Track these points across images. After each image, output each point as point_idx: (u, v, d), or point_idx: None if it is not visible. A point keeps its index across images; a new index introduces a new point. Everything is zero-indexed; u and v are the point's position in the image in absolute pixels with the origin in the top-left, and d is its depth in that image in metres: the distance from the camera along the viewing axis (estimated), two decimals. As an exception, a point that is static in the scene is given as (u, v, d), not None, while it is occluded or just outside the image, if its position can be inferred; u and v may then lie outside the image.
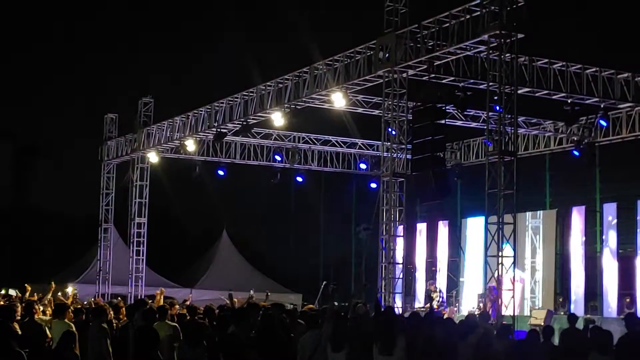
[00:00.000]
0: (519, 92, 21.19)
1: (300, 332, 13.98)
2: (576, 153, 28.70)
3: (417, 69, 22.84)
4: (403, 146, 23.24)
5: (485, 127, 21.96)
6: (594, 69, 24.24)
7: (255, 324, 13.96)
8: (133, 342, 13.64)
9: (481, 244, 31.31)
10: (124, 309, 17.36)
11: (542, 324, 23.67)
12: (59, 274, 37.16)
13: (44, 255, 46.55)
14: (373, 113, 27.03)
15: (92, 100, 51.25)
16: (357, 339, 12.97)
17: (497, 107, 20.42)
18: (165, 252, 42.63)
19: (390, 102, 23.20)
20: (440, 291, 29.41)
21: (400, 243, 23.43)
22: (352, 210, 41.37)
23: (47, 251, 47.22)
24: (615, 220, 28.36)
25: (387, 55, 22.88)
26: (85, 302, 23.92)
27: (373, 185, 33.23)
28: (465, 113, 27.33)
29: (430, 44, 21.98)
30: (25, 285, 23.56)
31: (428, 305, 27.41)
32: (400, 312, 22.48)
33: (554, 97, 24.62)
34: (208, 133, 30.69)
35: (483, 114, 25.64)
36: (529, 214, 30.59)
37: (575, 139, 28.72)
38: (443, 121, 22.43)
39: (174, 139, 32.10)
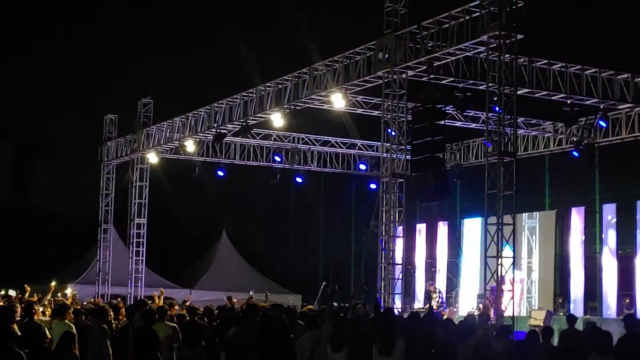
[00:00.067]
0: (519, 92, 21.22)
1: (300, 332, 13.99)
2: (576, 154, 28.70)
3: (417, 70, 22.85)
4: (402, 147, 23.23)
5: (485, 127, 21.97)
6: (593, 70, 24.24)
7: (255, 325, 13.96)
8: (133, 342, 13.66)
9: (478, 244, 31.61)
10: (123, 309, 17.36)
11: (542, 324, 23.68)
12: (58, 274, 37.17)
13: (44, 256, 46.57)
14: (372, 114, 27.04)
15: (92, 101, 51.33)
16: (356, 340, 12.99)
17: (497, 108, 20.42)
18: (165, 252, 42.65)
19: (389, 103, 23.20)
20: (439, 292, 29.43)
21: (399, 244, 23.44)
22: (352, 211, 41.35)
23: (47, 251, 47.24)
24: (614, 221, 28.36)
25: (386, 56, 22.89)
26: (84, 303, 23.95)
27: (372, 186, 33.20)
28: (465, 114, 27.34)
29: (429, 44, 21.98)
30: (25, 285, 23.55)
31: (427, 305, 27.41)
32: (400, 312, 22.48)
33: (553, 97, 24.62)
34: (208, 134, 30.69)
35: (482, 114, 25.64)
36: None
37: (575, 139, 28.72)
38: (442, 122, 22.42)
39: (173, 139, 32.09)
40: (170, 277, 38.56)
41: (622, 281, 27.81)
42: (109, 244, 36.36)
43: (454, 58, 22.35)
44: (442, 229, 34.53)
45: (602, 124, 26.87)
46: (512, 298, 20.37)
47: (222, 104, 29.40)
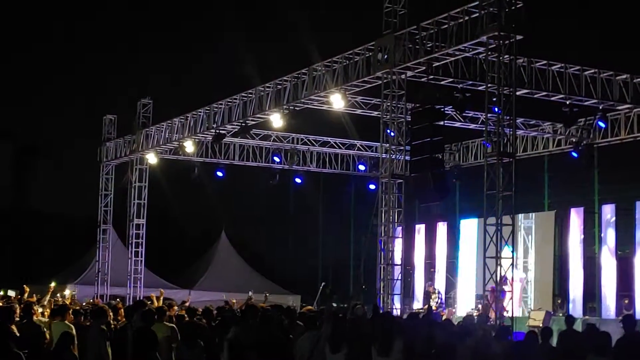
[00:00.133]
0: (518, 93, 21.23)
1: (299, 333, 13.99)
2: (575, 154, 28.70)
3: (416, 71, 22.84)
4: (402, 147, 23.22)
5: (484, 128, 21.97)
6: (592, 71, 24.24)
7: (254, 326, 13.97)
8: (132, 343, 13.66)
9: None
10: (122, 310, 17.37)
11: (541, 325, 23.68)
12: (58, 274, 37.15)
13: (44, 256, 46.60)
14: (372, 114, 27.03)
15: (92, 101, 51.37)
16: (355, 340, 12.98)
17: (496, 109, 20.42)
18: (164, 253, 42.65)
19: (389, 104, 23.20)
20: (438, 292, 29.44)
21: (398, 244, 23.43)
22: (351, 212, 41.36)
23: (47, 251, 47.26)
24: (613, 222, 28.37)
25: (385, 56, 22.89)
26: (83, 304, 23.95)
27: (372, 186, 33.18)
28: (464, 114, 27.32)
29: (429, 45, 21.98)
30: (24, 286, 23.56)
31: (426, 306, 27.42)
32: (399, 313, 22.49)
33: (552, 98, 24.62)
34: (207, 134, 30.69)
35: (482, 115, 25.63)
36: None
37: (574, 140, 28.73)
38: (442, 122, 22.43)
39: (172, 140, 32.09)
40: (170, 277, 38.54)
41: (621, 282, 27.81)
42: (108, 244, 36.33)
43: (453, 59, 22.35)
44: (441, 229, 34.54)
45: (601, 124, 26.89)
46: (512, 298, 20.39)
47: (221, 104, 29.40)
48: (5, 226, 50.76)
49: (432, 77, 22.64)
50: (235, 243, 42.14)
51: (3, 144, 54.13)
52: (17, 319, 15.10)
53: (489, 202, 20.15)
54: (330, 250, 42.63)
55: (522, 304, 30.07)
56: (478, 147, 32.47)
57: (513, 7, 20.01)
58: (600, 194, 30.83)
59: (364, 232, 27.27)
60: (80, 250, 40.44)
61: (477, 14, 20.52)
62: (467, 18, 20.85)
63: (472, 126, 28.72)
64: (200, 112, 30.46)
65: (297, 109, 26.87)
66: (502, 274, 19.93)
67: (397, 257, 23.31)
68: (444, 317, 23.83)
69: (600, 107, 25.55)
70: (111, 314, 16.64)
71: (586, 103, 24.97)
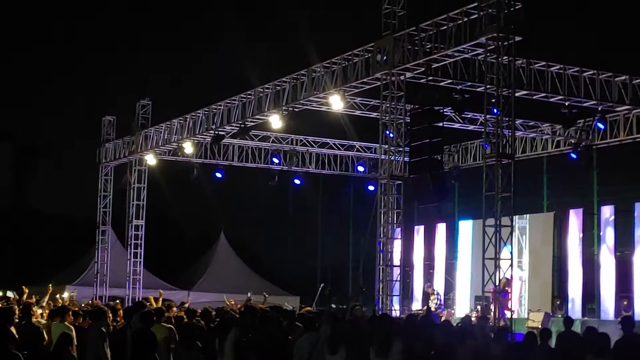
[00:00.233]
0: (517, 94, 21.23)
1: (298, 334, 13.99)
2: (574, 156, 28.70)
3: (415, 72, 22.85)
4: (401, 149, 23.23)
5: (483, 129, 21.96)
6: (591, 72, 24.25)
7: (253, 327, 13.98)
8: (131, 344, 13.66)
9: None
10: (121, 311, 17.36)
11: (540, 326, 23.68)
12: (57, 275, 37.13)
13: (44, 256, 46.59)
14: (371, 115, 27.04)
15: (92, 101, 51.36)
16: (354, 342, 12.98)
17: (495, 110, 20.42)
18: (163, 254, 42.64)
19: (388, 105, 23.21)
20: (437, 293, 29.44)
21: (397, 245, 23.43)
22: (350, 213, 41.37)
23: (47, 252, 47.25)
24: (612, 223, 28.38)
25: (384, 57, 22.89)
26: (82, 305, 23.95)
27: (371, 187, 33.19)
28: (463, 116, 27.32)
29: (428, 46, 21.99)
30: (23, 287, 23.56)
31: (425, 307, 27.42)
32: (398, 314, 22.49)
33: (551, 99, 24.63)
34: (206, 135, 30.68)
35: (481, 116, 25.61)
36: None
37: (573, 141, 28.73)
38: (441, 124, 22.45)
39: (171, 141, 32.08)
40: (169, 278, 38.54)
41: (620, 283, 27.82)
42: (107, 245, 36.31)
43: (452, 60, 22.36)
44: (440, 230, 34.56)
45: (600, 125, 26.89)
46: (510, 299, 20.41)
47: (220, 105, 29.40)
48: (5, 226, 50.77)
49: (431, 78, 22.64)
50: (234, 244, 42.14)
51: (3, 144, 54.12)
52: (16, 320, 15.09)
53: (488, 204, 20.15)
54: (329, 251, 42.63)
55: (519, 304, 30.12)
56: (477, 148, 32.47)
57: (512, 9, 20.01)
58: (599, 195, 30.84)
59: (363, 233, 27.22)
60: (80, 251, 40.43)
61: (476, 15, 20.53)
62: (466, 19, 20.86)
63: (471, 127, 28.73)
64: (199, 113, 30.46)
65: (296, 110, 26.88)
66: (502, 275, 19.94)
67: (396, 258, 23.31)
68: (443, 319, 23.84)
69: (599, 109, 25.56)
70: (110, 315, 16.64)
71: (585, 104, 24.97)
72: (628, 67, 25.08)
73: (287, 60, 35.24)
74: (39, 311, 18.29)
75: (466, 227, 33.33)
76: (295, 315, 16.62)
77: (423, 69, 22.49)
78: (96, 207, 36.40)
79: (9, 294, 27.96)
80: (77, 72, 55.23)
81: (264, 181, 35.07)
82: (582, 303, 28.79)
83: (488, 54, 20.58)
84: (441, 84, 23.17)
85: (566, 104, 24.69)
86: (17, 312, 15.81)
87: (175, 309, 19.15)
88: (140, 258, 34.92)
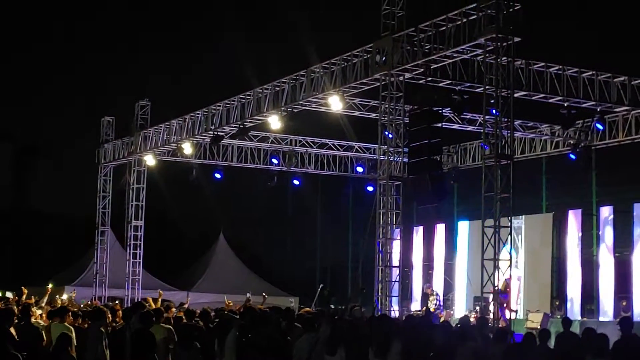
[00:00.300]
0: (516, 95, 21.23)
1: (298, 335, 14.00)
2: (572, 156, 28.72)
3: (414, 72, 22.86)
4: (400, 149, 23.25)
5: (482, 130, 21.98)
6: (590, 73, 24.27)
7: (252, 327, 13.98)
8: (130, 344, 13.66)
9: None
10: (120, 311, 17.36)
11: (539, 327, 23.70)
12: (56, 276, 37.11)
13: (44, 256, 46.56)
14: (370, 116, 27.05)
15: (92, 101, 51.34)
16: (352, 342, 12.99)
17: (494, 111, 20.44)
18: (162, 255, 42.62)
19: (387, 106, 23.22)
20: (437, 294, 29.45)
21: (396, 246, 23.44)
22: (349, 213, 41.38)
23: (47, 252, 47.23)
24: (611, 223, 28.39)
25: (384, 58, 22.91)
26: (81, 305, 23.95)
27: (370, 188, 33.22)
28: (462, 116, 27.33)
29: (427, 47, 22.00)
30: (22, 287, 23.54)
31: (424, 308, 27.43)
32: (397, 315, 22.49)
33: (550, 100, 24.65)
34: (205, 136, 30.69)
35: (480, 117, 25.62)
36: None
37: (572, 142, 28.75)
38: (440, 124, 22.49)
39: (170, 142, 32.09)
40: (168, 279, 38.53)
41: (619, 283, 27.83)
42: (106, 246, 36.31)
43: (451, 61, 22.38)
44: (439, 231, 34.57)
45: (599, 126, 26.91)
46: (509, 300, 20.43)
47: (219, 106, 29.41)
48: (4, 226, 50.74)
49: (430, 79, 22.65)
50: (234, 245, 42.14)
51: (3, 144, 54.11)
52: (15, 320, 15.08)
53: (487, 204, 20.16)
54: (328, 251, 42.63)
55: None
56: (476, 149, 32.48)
57: (511, 9, 20.03)
58: (598, 195, 30.85)
59: (362, 234, 27.23)
60: (80, 251, 40.41)
61: (475, 16, 20.55)
62: (465, 20, 20.88)
63: (470, 128, 28.75)
64: (198, 113, 30.47)
65: (295, 110, 26.89)
66: (504, 276, 19.97)
67: (395, 259, 23.32)
68: (442, 319, 23.84)
69: (598, 109, 25.59)
70: (109, 315, 16.64)
71: (584, 105, 25.00)
72: (627, 68, 25.10)
73: (286, 61, 35.24)
74: (39, 312, 18.28)
75: (465, 228, 33.36)
76: (295, 315, 16.62)
77: (422, 69, 22.49)
78: (96, 207, 36.42)
79: (8, 294, 27.95)
80: (77, 72, 55.24)
81: (263, 182, 35.08)
82: (581, 304, 28.82)
83: (487, 55, 20.60)
84: (440, 84, 23.18)
85: (565, 104, 24.71)
86: (16, 312, 15.82)
87: (174, 309, 19.14)
88: (139, 259, 34.94)
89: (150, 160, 34.04)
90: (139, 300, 27.67)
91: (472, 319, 21.32)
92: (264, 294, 25.10)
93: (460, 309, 31.30)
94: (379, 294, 22.97)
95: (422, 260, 34.58)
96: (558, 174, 31.96)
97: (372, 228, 23.80)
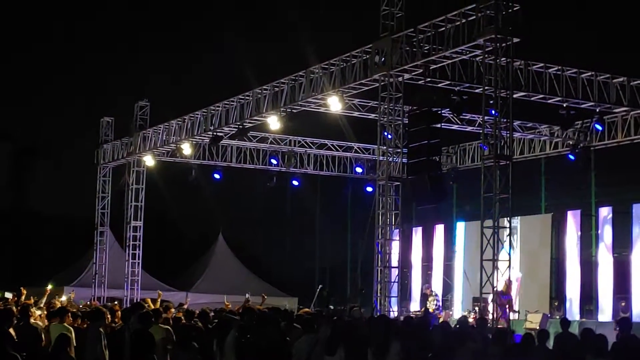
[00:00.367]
0: (515, 96, 21.25)
1: (297, 336, 14.00)
2: (572, 157, 28.74)
3: (413, 73, 22.86)
4: (399, 150, 23.25)
5: (481, 131, 22.00)
6: (589, 73, 24.28)
7: (251, 328, 13.99)
8: (129, 345, 13.66)
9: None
10: (119, 312, 17.36)
11: (538, 327, 23.70)
12: (55, 277, 37.09)
13: (44, 257, 46.54)
14: (369, 117, 27.06)
15: (92, 102, 51.33)
16: (352, 343, 12.99)
17: (493, 111, 20.46)
18: (161, 255, 42.60)
19: (386, 106, 23.23)
20: (436, 295, 29.45)
21: (395, 247, 23.44)
22: (348, 214, 41.39)
23: (46, 252, 47.20)
24: (610, 224, 28.40)
25: (383, 59, 22.92)
26: (80, 306, 23.94)
27: (369, 189, 33.21)
28: (461, 117, 27.36)
29: (426, 48, 22.01)
30: (21, 288, 23.53)
31: (423, 309, 27.43)
32: (396, 316, 22.49)
33: (549, 101, 24.67)
34: (204, 136, 30.69)
35: (479, 117, 25.62)
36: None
37: (571, 143, 28.77)
38: (439, 125, 22.49)
39: (170, 142, 32.09)
40: (167, 279, 38.53)
41: (618, 284, 27.83)
42: (105, 246, 36.31)
43: (450, 61, 22.39)
44: (439, 231, 34.58)
45: (598, 127, 26.91)
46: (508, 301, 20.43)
47: (218, 106, 29.41)
48: (4, 226, 50.73)
49: (429, 79, 22.66)
50: (233, 245, 42.14)
51: (2, 145, 54.10)
52: (14, 321, 15.08)
53: (486, 205, 20.17)
54: (328, 252, 42.63)
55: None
56: (475, 149, 32.49)
57: (510, 10, 20.05)
58: (597, 196, 30.87)
59: (361, 235, 27.24)
60: (80, 251, 40.40)
61: (474, 17, 20.56)
62: (464, 21, 20.88)
63: (469, 129, 28.76)
64: (197, 114, 30.47)
65: (295, 111, 26.88)
66: (503, 277, 19.97)
67: (394, 260, 23.32)
68: (440, 320, 23.84)
69: (597, 110, 25.61)
70: (108, 316, 16.64)
71: (583, 106, 25.02)
72: (626, 69, 25.12)
73: (285, 61, 35.25)
74: (38, 312, 18.27)
75: (463, 229, 33.39)
76: (294, 316, 16.63)
77: (421, 70, 22.49)
78: (95, 208, 36.41)
79: (7, 294, 27.94)
80: (77, 72, 55.23)
81: (262, 182, 35.08)
82: (579, 304, 28.82)
83: (486, 56, 20.60)
84: (439, 85, 23.20)
85: (564, 105, 24.72)
86: (15, 313, 15.81)
87: (173, 310, 19.14)
88: (138, 259, 34.95)
89: (149, 160, 34.04)
90: (138, 300, 27.71)
91: (470, 320, 21.34)
92: (263, 294, 25.12)
93: (459, 309, 31.29)
94: (378, 294, 22.97)
95: (421, 260, 34.58)
96: (557, 175, 31.97)
97: (371, 229, 23.81)
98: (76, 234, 43.88)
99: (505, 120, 20.34)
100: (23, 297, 22.45)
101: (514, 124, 25.64)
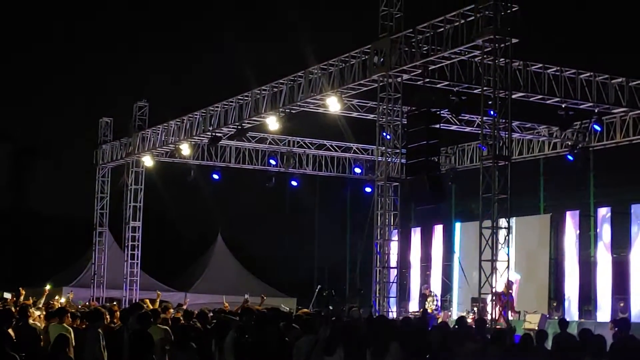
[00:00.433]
0: (513, 96, 21.25)
1: (296, 336, 14.00)
2: (570, 158, 28.75)
3: (412, 74, 22.87)
4: (398, 150, 23.26)
5: (480, 131, 22.01)
6: (588, 74, 24.29)
7: (251, 328, 14.00)
8: (128, 345, 13.67)
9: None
10: (118, 312, 17.36)
11: (536, 328, 23.70)
12: (54, 277, 37.09)
13: (43, 257, 46.53)
14: (368, 117, 27.06)
15: (91, 102, 51.27)
16: (351, 343, 12.99)
17: (492, 112, 20.48)
18: (160, 256, 42.57)
19: (384, 107, 23.23)
20: (435, 295, 29.46)
21: (394, 247, 23.44)
22: (347, 214, 41.40)
23: (46, 252, 47.19)
24: (609, 225, 28.41)
25: (381, 59, 22.92)
26: (79, 306, 23.94)
27: (368, 189, 33.26)
28: (460, 117, 27.39)
29: (424, 48, 22.01)
30: (20, 288, 23.55)
31: (421, 310, 27.43)
32: (395, 316, 22.50)
33: (548, 101, 24.68)
34: (203, 137, 30.68)
35: (477, 118, 25.67)
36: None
37: (570, 143, 28.78)
38: (437, 125, 22.49)
39: (168, 142, 32.09)
40: (166, 280, 38.52)
41: (617, 284, 27.85)
42: (104, 247, 36.31)
43: (449, 62, 22.39)
44: (437, 232, 34.59)
45: (597, 128, 26.91)
46: (507, 301, 20.42)
47: (217, 107, 29.41)
48: (3, 227, 50.72)
49: (428, 80, 22.67)
50: (231, 246, 42.14)
51: (2, 145, 54.08)
52: (13, 321, 15.08)
53: (485, 205, 20.18)
54: (326, 253, 42.62)
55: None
56: (474, 150, 32.50)
57: (509, 11, 20.06)
58: (596, 197, 30.89)
59: (360, 235, 27.26)
60: (79, 252, 40.39)
61: (473, 17, 20.57)
62: (463, 21, 20.89)
63: (468, 129, 28.77)
64: (196, 114, 30.48)
65: (293, 111, 26.89)
66: (502, 278, 19.98)
67: (393, 260, 23.32)
68: (439, 320, 23.86)
69: (596, 111, 25.62)
70: (107, 316, 16.63)
71: (582, 106, 25.03)
72: (625, 70, 25.12)
73: (284, 62, 35.24)
74: (37, 313, 18.28)
75: (461, 229, 33.44)
76: (293, 316, 16.64)
77: (420, 70, 22.51)
78: (94, 208, 36.41)
79: (6, 295, 27.95)
80: (76, 72, 55.17)
81: (261, 183, 35.07)
82: (578, 305, 28.84)
83: (485, 56, 20.63)
84: (438, 85, 23.21)
85: (563, 105, 24.73)
86: (14, 313, 15.81)
87: (172, 310, 19.14)
88: (137, 259, 34.94)
89: (148, 161, 34.04)
90: (137, 301, 27.71)
91: (469, 320, 21.34)
92: (262, 295, 25.14)
93: (459, 309, 31.29)
94: (377, 295, 22.98)
95: (420, 261, 34.59)
96: (556, 175, 31.98)
97: (370, 229, 23.82)
98: (75, 234, 43.86)
99: (504, 120, 20.35)
100: (22, 298, 22.48)
101: (513, 124, 25.61)
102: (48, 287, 25.56)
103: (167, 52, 53.40)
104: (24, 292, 23.12)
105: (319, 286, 31.46)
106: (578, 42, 31.86)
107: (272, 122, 27.24)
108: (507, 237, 20.36)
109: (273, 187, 35.04)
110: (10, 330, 13.76)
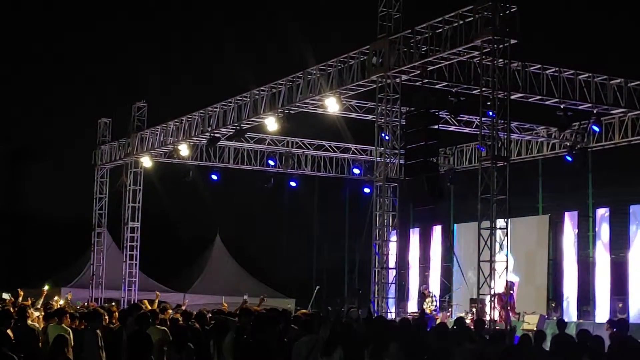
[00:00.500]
0: (512, 97, 21.24)
1: (295, 336, 13.99)
2: (569, 158, 28.76)
3: (411, 74, 22.87)
4: (396, 151, 23.25)
5: (479, 132, 22.01)
6: (586, 75, 24.30)
7: (249, 329, 13.98)
8: (127, 346, 13.66)
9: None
10: (116, 313, 17.35)
11: (535, 328, 23.71)
12: (52, 278, 37.07)
13: (41, 258, 46.47)
14: (366, 118, 27.07)
15: (90, 103, 51.26)
16: (349, 344, 12.99)
17: (490, 113, 20.47)
18: (159, 256, 42.54)
19: (383, 107, 23.23)
20: (433, 296, 29.46)
21: (393, 248, 23.44)
22: (346, 215, 41.38)
23: (44, 254, 47.12)
24: (607, 225, 28.42)
25: (380, 60, 22.92)
26: (78, 307, 23.93)
27: (366, 190, 33.26)
28: (459, 118, 27.40)
29: (423, 49, 22.02)
30: (18, 289, 23.53)
31: (420, 310, 27.43)
32: (393, 317, 22.50)
33: (546, 102, 24.70)
34: (201, 138, 30.68)
35: (476, 119, 25.69)
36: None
37: (568, 144, 28.78)
38: (436, 126, 22.48)
39: (167, 143, 32.09)
40: (164, 281, 38.49)
41: (615, 285, 27.87)
42: (102, 247, 36.30)
43: (447, 62, 22.40)
44: (436, 232, 34.60)
45: (595, 128, 26.93)
46: (506, 302, 20.41)
47: (216, 107, 29.41)
48: (2, 227, 50.69)
49: (426, 80, 22.68)
50: (230, 246, 42.13)
51: (0, 145, 54.11)
52: (12, 322, 15.07)
53: (484, 206, 20.18)
54: (325, 253, 42.64)
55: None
56: (472, 150, 32.50)
57: (507, 12, 20.06)
58: (595, 197, 30.90)
59: (359, 236, 27.28)
60: (78, 252, 40.37)
61: (472, 18, 20.57)
62: (461, 22, 20.90)
63: (467, 130, 28.78)
64: (195, 115, 30.47)
65: (292, 112, 26.89)
66: (501, 278, 19.98)
67: (392, 261, 23.32)
68: (438, 321, 23.86)
69: (595, 111, 25.63)
70: (106, 317, 16.62)
71: (580, 107, 25.04)
72: (623, 70, 25.14)
73: (283, 63, 35.25)
74: (36, 313, 18.27)
75: (459, 230, 33.44)
76: (291, 317, 16.63)
77: (418, 71, 22.52)
78: (92, 209, 36.40)
79: (5, 295, 27.94)
80: (76, 72, 55.14)
81: (260, 183, 35.06)
82: (577, 305, 28.85)
83: (483, 57, 20.64)
84: (437, 86, 23.22)
85: (561, 106, 24.75)
86: (13, 314, 15.80)
87: (170, 311, 19.14)
88: (135, 260, 34.92)
89: (146, 161, 34.03)
90: (136, 302, 27.69)
91: (468, 321, 21.34)
92: (262, 296, 25.14)
93: (458, 310, 31.27)
94: (376, 295, 22.98)
95: (418, 261, 34.60)
96: (554, 176, 32.00)
97: (369, 230, 23.81)
98: (74, 234, 43.82)
99: (502, 121, 20.36)
100: (20, 298, 22.45)
101: (512, 125, 25.62)
102: (47, 287, 25.55)
103: (164, 52, 53.44)
104: (22, 293, 23.08)
105: (317, 287, 31.47)
106: (577, 42, 31.88)
107: (271, 123, 27.24)
108: (506, 237, 20.34)
109: (272, 187, 35.02)
110: (9, 331, 13.74)
